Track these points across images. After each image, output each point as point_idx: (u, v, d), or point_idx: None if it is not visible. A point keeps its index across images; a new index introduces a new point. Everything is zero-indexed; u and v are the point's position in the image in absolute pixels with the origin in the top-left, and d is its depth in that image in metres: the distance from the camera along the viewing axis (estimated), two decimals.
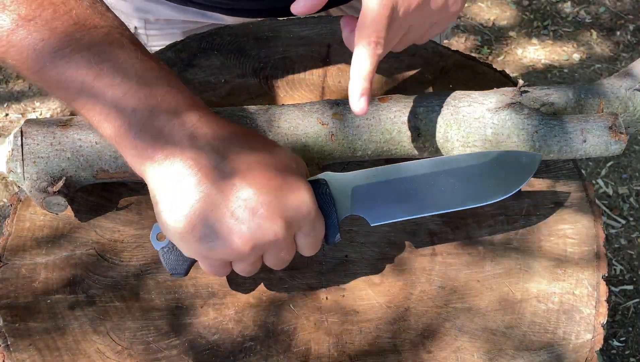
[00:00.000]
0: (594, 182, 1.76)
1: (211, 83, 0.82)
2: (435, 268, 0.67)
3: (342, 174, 0.62)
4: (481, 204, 0.64)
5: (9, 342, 0.61)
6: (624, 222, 1.71)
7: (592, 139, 0.68)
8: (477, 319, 0.63)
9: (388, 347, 0.62)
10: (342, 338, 0.62)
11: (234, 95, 0.81)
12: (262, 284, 0.65)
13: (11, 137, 0.66)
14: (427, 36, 0.73)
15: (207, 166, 0.54)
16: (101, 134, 0.57)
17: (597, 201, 0.72)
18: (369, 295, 0.65)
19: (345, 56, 0.85)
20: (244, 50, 0.86)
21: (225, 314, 0.63)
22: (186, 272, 0.61)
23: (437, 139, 0.70)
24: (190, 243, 0.55)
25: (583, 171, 0.75)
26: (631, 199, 1.75)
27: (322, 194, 0.60)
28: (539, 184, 0.74)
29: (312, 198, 0.56)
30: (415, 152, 0.71)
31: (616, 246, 1.67)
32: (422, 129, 0.70)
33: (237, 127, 0.58)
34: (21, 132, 0.65)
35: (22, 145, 0.65)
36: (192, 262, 0.61)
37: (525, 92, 0.73)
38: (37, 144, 0.65)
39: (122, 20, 0.59)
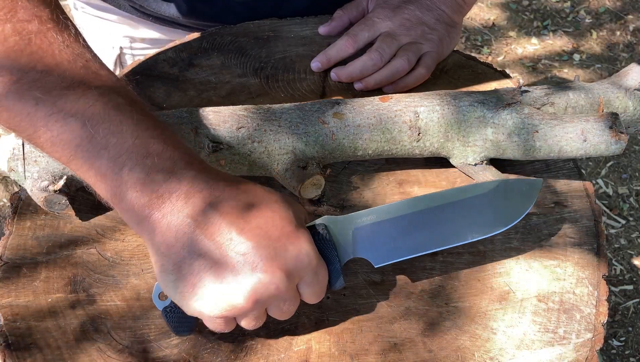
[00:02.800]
0: (594, 182, 1.76)
1: (212, 82, 0.82)
2: (436, 267, 0.67)
3: (341, 216, 0.61)
4: (484, 237, 0.63)
5: (9, 341, 0.61)
6: (624, 222, 1.71)
7: (593, 139, 0.68)
8: (478, 319, 0.64)
9: (389, 347, 0.62)
10: (343, 337, 0.62)
11: (234, 95, 0.81)
12: None
13: (12, 135, 0.66)
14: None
15: (204, 224, 0.53)
16: (98, 193, 0.56)
17: (597, 201, 0.72)
18: (370, 294, 0.65)
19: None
20: (244, 50, 0.86)
21: None
22: (192, 330, 0.60)
23: (437, 138, 0.70)
24: (191, 303, 0.54)
25: (583, 171, 0.75)
26: (631, 199, 1.75)
27: (322, 239, 0.59)
28: None
29: (312, 246, 0.56)
30: (416, 151, 0.71)
31: (616, 246, 1.67)
32: (422, 129, 0.70)
33: (233, 181, 0.56)
34: None
35: (23, 144, 0.65)
36: (197, 320, 0.59)
37: (526, 92, 0.73)
38: None
39: (108, 40, 0.58)
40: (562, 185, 0.74)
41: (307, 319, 0.63)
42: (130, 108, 0.55)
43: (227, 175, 0.57)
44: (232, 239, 0.53)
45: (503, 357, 0.61)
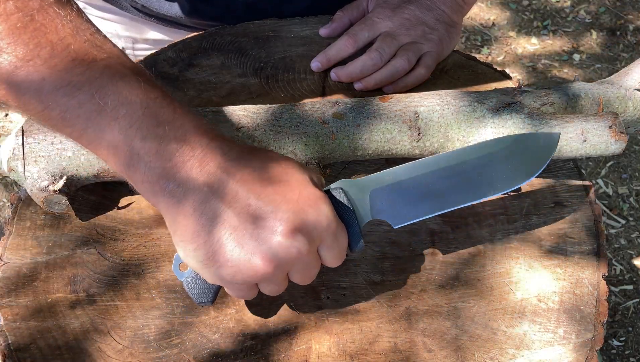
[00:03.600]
0: (594, 182, 1.76)
1: (212, 82, 0.82)
2: (435, 267, 0.67)
3: (358, 179, 0.61)
4: (504, 192, 0.63)
5: (9, 341, 0.61)
6: (624, 222, 1.71)
7: (592, 139, 0.68)
8: (478, 318, 0.64)
9: (389, 346, 0.62)
10: (343, 337, 0.62)
11: (234, 95, 0.81)
12: None
13: (12, 136, 0.66)
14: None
15: (220, 190, 0.53)
16: (111, 167, 0.56)
17: (597, 201, 0.72)
18: (370, 294, 0.65)
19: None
20: (244, 50, 0.86)
21: (226, 312, 0.63)
22: (213, 300, 0.60)
23: (437, 138, 0.70)
24: (213, 270, 0.54)
25: (583, 171, 0.75)
26: (631, 199, 1.75)
27: (340, 202, 0.59)
28: (539, 184, 0.74)
29: (331, 209, 0.55)
30: (416, 151, 0.71)
31: (616, 246, 1.67)
32: (422, 129, 0.70)
33: (246, 148, 0.57)
34: (22, 131, 0.65)
35: (23, 144, 0.65)
36: (218, 288, 0.59)
37: (526, 92, 0.73)
38: (38, 143, 0.65)
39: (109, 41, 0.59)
40: (562, 185, 0.74)
41: (307, 319, 0.63)
42: (137, 78, 0.55)
43: (240, 143, 0.57)
44: (250, 205, 0.53)
45: (503, 357, 0.61)
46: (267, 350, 0.61)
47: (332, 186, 0.60)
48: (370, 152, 0.71)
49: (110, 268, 0.66)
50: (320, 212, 0.54)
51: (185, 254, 0.54)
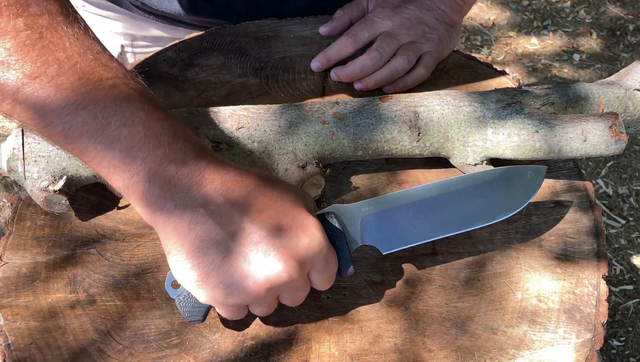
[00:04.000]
0: (594, 182, 1.76)
1: (212, 82, 0.82)
2: (435, 267, 0.67)
3: (349, 205, 0.62)
4: (490, 223, 0.64)
5: (9, 341, 0.61)
6: (624, 222, 1.71)
7: (592, 139, 0.68)
8: (478, 318, 0.63)
9: (389, 346, 0.62)
10: (343, 337, 0.62)
11: (234, 95, 0.81)
12: None
13: (12, 136, 0.66)
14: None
15: (216, 213, 0.54)
16: (111, 186, 0.57)
17: (597, 201, 0.72)
18: (370, 294, 0.65)
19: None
20: (244, 50, 0.86)
21: None
22: (204, 318, 0.61)
23: (437, 138, 0.70)
24: (205, 291, 0.55)
25: (583, 171, 0.75)
26: (631, 199, 1.75)
27: (331, 227, 0.60)
28: None
29: (322, 234, 0.56)
30: (416, 151, 0.71)
31: (616, 246, 1.67)
32: (422, 129, 0.70)
33: (244, 172, 0.57)
34: (22, 131, 0.65)
35: (23, 144, 0.65)
36: (209, 308, 0.60)
37: (526, 92, 0.73)
38: (38, 143, 0.65)
39: (109, 38, 0.59)
40: (562, 185, 0.74)
41: (307, 319, 0.63)
42: (141, 99, 0.56)
43: (237, 166, 0.58)
44: (245, 229, 0.54)
45: (503, 357, 0.61)
46: (267, 350, 0.61)
47: (325, 210, 0.61)
48: (370, 152, 0.71)
49: (110, 268, 0.66)
50: (313, 238, 0.55)
51: (179, 274, 0.55)
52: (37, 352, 0.60)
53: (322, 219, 0.60)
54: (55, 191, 0.65)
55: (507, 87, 0.73)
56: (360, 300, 0.65)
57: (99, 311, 0.63)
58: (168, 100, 0.80)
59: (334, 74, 0.83)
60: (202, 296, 0.55)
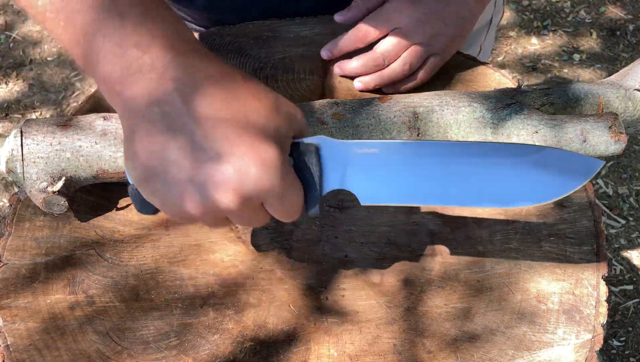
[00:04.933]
0: (594, 182, 1.76)
1: None
2: (435, 268, 0.67)
3: (340, 141, 0.55)
4: (501, 207, 0.56)
5: (8, 343, 0.61)
6: (624, 222, 1.71)
7: (592, 139, 0.68)
8: (477, 319, 0.63)
9: (388, 347, 0.62)
10: (342, 338, 0.62)
11: None
12: (262, 283, 0.65)
13: (11, 137, 0.66)
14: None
15: (170, 117, 0.48)
16: (74, 58, 0.53)
17: (597, 201, 0.72)
18: (369, 295, 0.65)
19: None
20: (244, 50, 0.86)
21: (225, 314, 0.63)
22: (155, 211, 0.55)
23: (437, 139, 0.70)
24: (144, 193, 0.51)
25: None
26: (631, 199, 1.75)
27: (307, 161, 0.53)
28: None
29: (278, 171, 0.49)
30: None
31: (616, 246, 1.67)
32: (422, 129, 0.70)
33: (216, 72, 0.51)
34: (21, 132, 0.65)
35: (21, 145, 0.65)
36: None
37: (525, 92, 0.73)
38: (37, 144, 0.65)
39: None
40: None
41: (306, 320, 0.63)
42: None
43: (215, 63, 0.52)
44: (195, 144, 0.48)
45: (502, 358, 0.61)
46: (266, 351, 0.61)
47: (307, 140, 0.54)
48: None
49: (109, 269, 0.66)
50: (264, 173, 0.49)
51: (126, 166, 0.51)
52: (36, 354, 0.60)
53: (302, 150, 0.53)
54: (54, 192, 0.65)
55: (507, 87, 0.73)
56: (359, 301, 0.65)
57: (98, 312, 0.63)
58: None
59: (337, 68, 0.83)
60: (144, 195, 0.52)
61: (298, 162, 0.54)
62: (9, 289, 0.64)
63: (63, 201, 0.66)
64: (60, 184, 0.65)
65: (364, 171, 0.55)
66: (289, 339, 0.62)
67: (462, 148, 0.54)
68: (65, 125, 0.66)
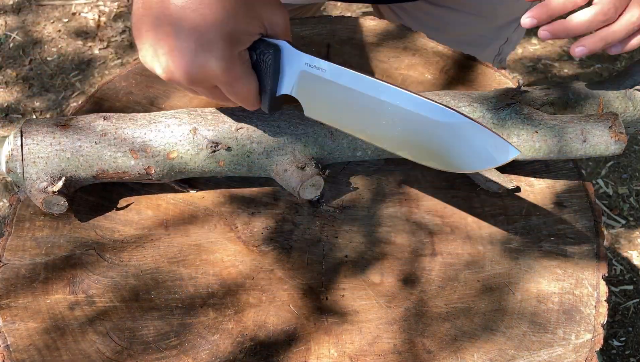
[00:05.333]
0: (594, 182, 1.76)
1: None
2: (435, 268, 0.67)
3: (298, 52, 0.60)
4: (416, 162, 0.60)
5: (8, 343, 0.60)
6: (624, 222, 1.71)
7: (592, 139, 0.68)
8: (477, 319, 0.63)
9: (388, 347, 0.62)
10: (342, 338, 0.62)
11: None
12: (261, 283, 0.65)
13: (11, 137, 0.66)
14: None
15: (157, 9, 0.56)
16: None
17: (597, 201, 0.72)
18: (369, 295, 0.65)
19: (345, 56, 0.85)
20: None
21: (225, 314, 0.63)
22: None
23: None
24: (137, 45, 0.60)
25: (583, 171, 0.75)
26: (631, 199, 1.75)
27: (264, 60, 0.59)
28: (538, 184, 0.74)
29: (223, 64, 0.57)
30: None
31: (616, 246, 1.67)
32: None
33: None
34: (21, 132, 0.65)
35: (21, 145, 0.65)
36: None
37: (525, 92, 0.73)
38: (37, 144, 0.65)
39: None
40: (562, 185, 0.74)
41: (306, 320, 0.63)
42: None
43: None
44: (171, 16, 0.56)
45: (502, 358, 0.61)
46: (266, 351, 0.61)
47: (270, 40, 0.60)
48: (370, 152, 0.71)
49: (109, 269, 0.66)
50: (210, 61, 0.57)
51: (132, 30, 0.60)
52: (36, 354, 0.60)
53: (264, 47, 0.60)
54: (54, 192, 0.65)
55: (507, 87, 0.73)
56: (359, 301, 0.65)
57: (98, 312, 0.63)
58: (168, 100, 0.80)
59: (545, 32, 0.69)
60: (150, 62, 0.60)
61: (257, 59, 0.60)
62: (8, 289, 0.64)
63: (63, 201, 0.66)
64: (60, 184, 0.65)
65: (312, 85, 0.60)
66: (289, 339, 0.62)
67: (399, 95, 0.58)
68: (65, 126, 0.66)
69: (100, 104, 0.79)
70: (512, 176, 0.74)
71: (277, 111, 0.69)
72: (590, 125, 0.68)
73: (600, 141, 0.68)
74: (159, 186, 0.71)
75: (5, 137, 0.67)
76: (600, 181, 1.79)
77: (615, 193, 1.77)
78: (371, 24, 0.89)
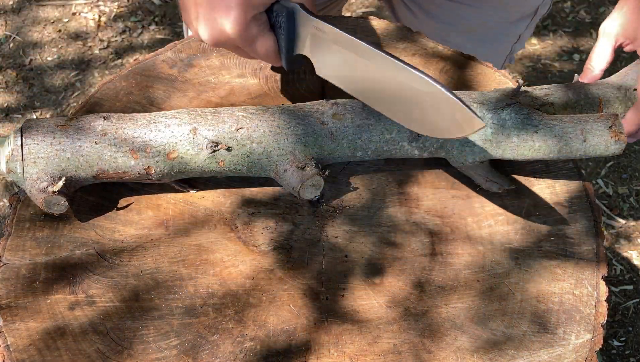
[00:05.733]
0: (594, 182, 1.76)
1: (211, 83, 0.82)
2: (435, 268, 0.67)
3: (309, 17, 0.66)
4: (402, 124, 0.66)
5: (8, 343, 0.61)
6: (624, 222, 1.71)
7: (592, 139, 0.68)
8: (477, 319, 0.63)
9: (388, 347, 0.62)
10: (342, 338, 0.62)
11: (234, 95, 0.81)
12: (261, 283, 0.65)
13: (11, 137, 0.66)
14: None
15: None
16: None
17: (597, 201, 0.72)
18: (369, 295, 0.65)
19: None
20: None
21: (225, 314, 0.63)
22: None
23: (436, 138, 0.70)
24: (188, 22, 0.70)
25: (583, 171, 0.75)
26: (631, 199, 1.75)
27: (279, 21, 0.67)
28: (538, 184, 0.74)
29: (237, 27, 0.65)
30: (415, 152, 0.71)
31: (616, 246, 1.67)
32: None
33: None
34: (21, 132, 0.65)
35: (22, 145, 0.65)
36: None
37: (525, 92, 0.73)
38: (37, 144, 0.65)
39: None
40: (562, 185, 0.74)
41: (306, 320, 0.63)
42: None
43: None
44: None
45: (502, 358, 0.61)
46: (266, 351, 0.61)
47: (287, 4, 0.66)
48: (369, 152, 0.71)
49: (110, 269, 0.66)
50: (226, 25, 0.65)
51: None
52: (36, 354, 0.60)
53: (277, 9, 0.66)
54: (54, 192, 0.65)
55: (507, 87, 0.73)
56: (359, 301, 0.65)
57: (98, 312, 0.63)
58: (167, 100, 0.80)
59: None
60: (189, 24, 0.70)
61: (274, 21, 0.67)
62: (9, 289, 0.64)
63: (63, 201, 0.66)
64: (60, 184, 0.65)
65: (319, 47, 0.67)
66: (288, 339, 0.62)
67: (386, 63, 0.63)
68: (65, 126, 0.66)
69: (101, 104, 0.79)
70: (512, 177, 0.74)
71: (280, 108, 0.69)
72: (590, 125, 0.68)
73: (600, 141, 0.68)
74: (159, 186, 0.71)
75: (5, 137, 0.67)
76: (600, 181, 1.79)
77: (615, 193, 1.77)
78: (371, 24, 0.89)
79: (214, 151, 0.67)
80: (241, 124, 0.68)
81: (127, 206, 0.70)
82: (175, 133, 0.67)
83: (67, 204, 0.66)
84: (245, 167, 0.69)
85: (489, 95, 0.71)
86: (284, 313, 0.64)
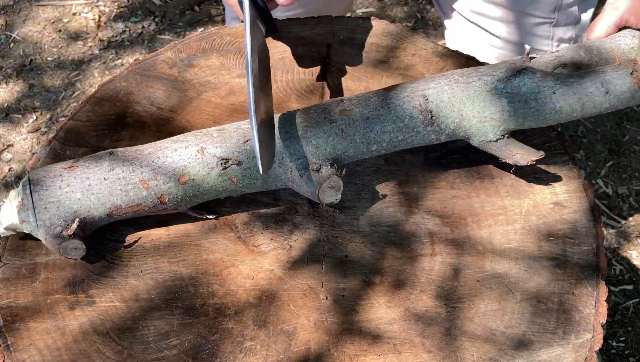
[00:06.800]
0: (594, 182, 1.76)
1: (211, 83, 0.82)
2: (435, 268, 0.67)
3: None
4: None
5: (9, 342, 0.61)
6: (624, 222, 1.71)
7: (615, 89, 0.65)
8: (477, 319, 0.63)
9: (388, 347, 0.62)
10: (342, 338, 0.62)
11: (234, 95, 0.81)
12: (262, 283, 0.65)
13: (18, 188, 0.65)
14: None
15: None
16: None
17: (597, 201, 0.72)
18: (369, 295, 0.65)
19: (345, 56, 0.85)
20: (243, 51, 0.86)
21: (225, 314, 0.63)
22: None
23: (452, 119, 0.69)
24: None
25: (583, 171, 0.75)
26: (631, 199, 1.75)
27: None
28: (538, 184, 0.74)
29: None
30: (432, 136, 0.69)
31: (616, 246, 1.67)
32: (434, 111, 0.68)
33: None
34: (29, 180, 0.64)
35: (31, 193, 0.63)
36: None
37: (534, 57, 0.71)
38: (46, 189, 0.64)
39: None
40: (562, 185, 0.74)
41: (306, 320, 0.63)
42: None
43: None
44: None
45: (502, 358, 0.61)
46: (266, 351, 0.61)
47: None
48: (385, 144, 0.69)
49: (110, 269, 0.66)
50: None
51: None
52: (36, 354, 0.60)
53: None
54: (69, 236, 0.64)
55: (515, 57, 0.72)
56: (359, 301, 0.65)
57: (98, 312, 0.63)
58: (168, 101, 0.80)
59: None
60: None
61: None
62: (9, 289, 0.64)
63: (80, 244, 0.64)
64: (74, 226, 0.63)
65: None
66: (289, 339, 0.62)
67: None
68: (72, 167, 0.65)
69: (101, 104, 0.79)
70: (512, 177, 0.74)
71: (285, 115, 0.69)
72: (610, 76, 0.65)
73: (624, 90, 0.65)
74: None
75: (13, 188, 0.65)
76: (600, 181, 1.79)
77: (614, 193, 1.77)
78: (371, 24, 0.89)
79: (225, 168, 0.66)
80: (248, 136, 0.67)
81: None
82: (183, 156, 0.66)
83: (85, 247, 0.64)
84: (260, 180, 0.67)
85: (497, 67, 0.70)
86: (284, 313, 0.64)
